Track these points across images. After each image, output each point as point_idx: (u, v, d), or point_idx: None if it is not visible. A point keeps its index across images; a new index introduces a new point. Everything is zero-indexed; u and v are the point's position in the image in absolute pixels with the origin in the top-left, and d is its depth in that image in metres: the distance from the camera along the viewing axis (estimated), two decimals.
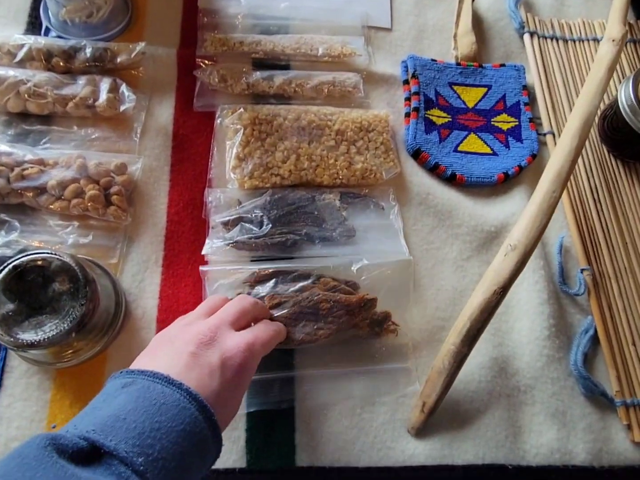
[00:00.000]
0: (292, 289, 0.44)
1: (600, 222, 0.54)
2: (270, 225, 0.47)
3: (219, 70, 0.54)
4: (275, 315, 0.43)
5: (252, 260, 0.47)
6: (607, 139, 0.57)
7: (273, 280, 0.44)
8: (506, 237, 0.50)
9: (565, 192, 0.55)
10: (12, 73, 0.49)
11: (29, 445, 0.25)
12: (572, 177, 0.56)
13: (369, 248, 0.48)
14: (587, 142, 0.58)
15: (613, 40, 0.55)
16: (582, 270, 0.51)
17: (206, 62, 0.55)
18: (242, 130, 0.50)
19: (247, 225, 0.47)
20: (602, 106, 0.59)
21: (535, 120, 0.58)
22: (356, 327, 0.45)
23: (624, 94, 0.53)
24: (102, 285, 0.41)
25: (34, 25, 0.54)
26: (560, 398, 0.45)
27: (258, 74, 0.54)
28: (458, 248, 0.51)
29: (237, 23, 0.58)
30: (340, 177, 0.51)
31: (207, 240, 0.47)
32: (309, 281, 0.45)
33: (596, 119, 0.59)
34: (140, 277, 0.46)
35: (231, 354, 0.33)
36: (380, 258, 0.47)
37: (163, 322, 0.45)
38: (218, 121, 0.52)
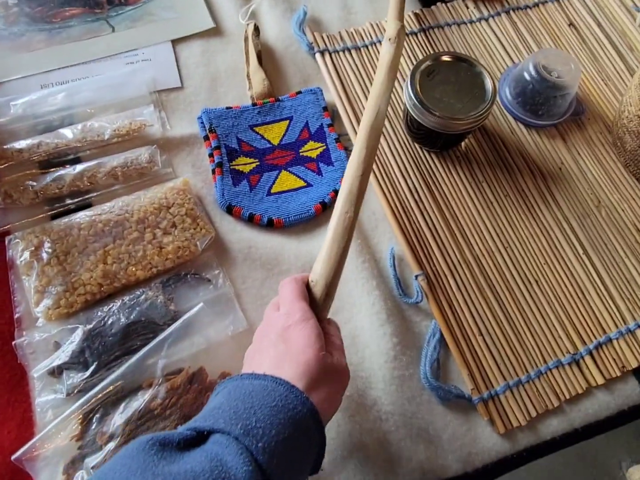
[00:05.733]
0: (119, 412, 0.41)
1: (426, 221, 0.54)
2: (96, 362, 0.43)
3: (1, 188, 0.50)
4: (112, 448, 0.40)
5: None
6: (414, 136, 0.58)
7: (97, 416, 0.41)
8: None
9: (384, 199, 0.55)
10: None
11: (136, 441, 0.29)
12: (389, 182, 0.56)
13: (207, 333, 0.46)
14: (398, 142, 0.58)
15: (389, 39, 0.56)
16: (416, 277, 0.51)
17: None
18: (34, 260, 0.46)
19: (72, 372, 0.43)
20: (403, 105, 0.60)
21: (342, 139, 0.58)
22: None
23: (406, 94, 0.53)
24: None
25: None
26: (420, 415, 0.45)
27: (46, 178, 0.52)
28: None
29: (15, 129, 0.55)
30: (155, 265, 0.48)
31: (37, 400, 0.43)
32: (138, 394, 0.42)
33: (402, 117, 0.60)
34: None
35: (285, 323, 0.37)
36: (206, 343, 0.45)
37: None
38: (10, 253, 0.48)
